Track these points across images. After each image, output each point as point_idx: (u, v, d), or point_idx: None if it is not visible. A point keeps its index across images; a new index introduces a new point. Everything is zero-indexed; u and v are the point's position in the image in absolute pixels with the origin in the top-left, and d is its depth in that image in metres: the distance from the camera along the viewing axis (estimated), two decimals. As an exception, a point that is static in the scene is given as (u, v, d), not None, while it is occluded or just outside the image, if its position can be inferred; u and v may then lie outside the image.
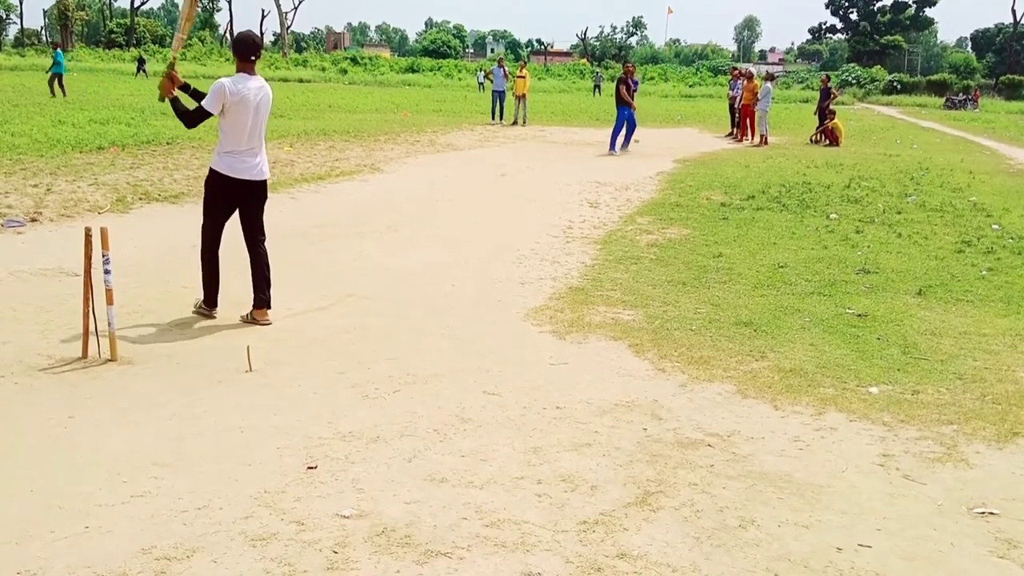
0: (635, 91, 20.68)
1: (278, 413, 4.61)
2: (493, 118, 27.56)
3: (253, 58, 6.09)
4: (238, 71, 6.04)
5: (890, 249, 9.34)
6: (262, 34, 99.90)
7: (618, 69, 48.55)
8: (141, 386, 4.95)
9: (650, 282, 7.62)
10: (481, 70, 26.57)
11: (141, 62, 54.23)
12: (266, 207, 6.47)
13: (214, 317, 6.24)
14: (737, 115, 25.25)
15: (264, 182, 6.33)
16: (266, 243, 6.45)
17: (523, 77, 27.39)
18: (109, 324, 5.33)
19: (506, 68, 28.37)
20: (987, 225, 10.93)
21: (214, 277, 6.30)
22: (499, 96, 27.90)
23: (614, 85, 20.57)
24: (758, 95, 23.61)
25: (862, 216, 11.38)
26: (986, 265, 8.59)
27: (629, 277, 7.79)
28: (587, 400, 4.92)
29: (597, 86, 57.11)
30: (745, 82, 24.58)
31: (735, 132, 25.30)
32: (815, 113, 24.55)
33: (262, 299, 6.27)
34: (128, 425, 4.41)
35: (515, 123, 26.95)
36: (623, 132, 20.07)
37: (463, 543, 3.37)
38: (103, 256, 5.32)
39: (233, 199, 6.25)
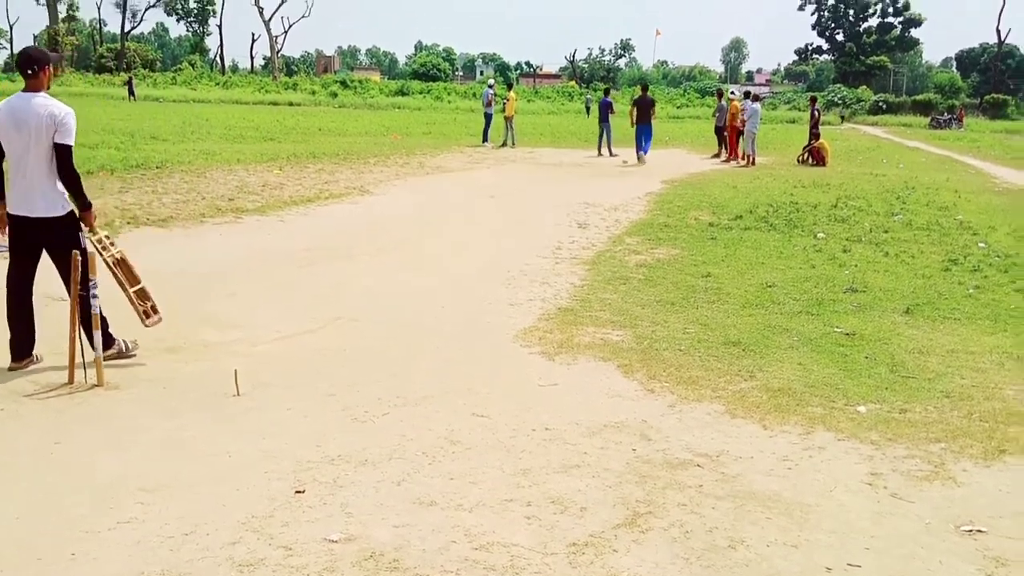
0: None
1: (266, 437, 4.59)
2: (484, 140, 27.70)
3: (29, 72, 5.40)
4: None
5: (877, 268, 9.39)
6: (252, 58, 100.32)
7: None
8: (128, 411, 4.93)
9: (639, 302, 7.63)
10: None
11: (130, 83, 54.44)
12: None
13: (22, 366, 5.54)
14: (726, 136, 25.43)
15: (43, 219, 5.43)
16: (89, 296, 5.38)
17: (509, 100, 27.65)
18: (95, 349, 5.32)
19: (495, 90, 28.62)
20: (973, 243, 11.00)
21: (16, 326, 5.57)
22: (488, 118, 28.10)
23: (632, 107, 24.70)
24: (740, 116, 24.04)
25: (849, 235, 11.44)
26: (973, 283, 8.64)
27: (618, 297, 7.80)
28: (576, 421, 4.91)
29: (587, 108, 57.64)
30: (728, 103, 24.96)
31: (721, 153, 25.44)
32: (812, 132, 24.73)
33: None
34: (115, 450, 4.38)
35: (504, 145, 27.08)
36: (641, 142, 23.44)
37: (452, 567, 3.35)
38: (90, 281, 5.31)
39: (19, 238, 5.53)
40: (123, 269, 5.75)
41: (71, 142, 5.43)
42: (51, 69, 5.61)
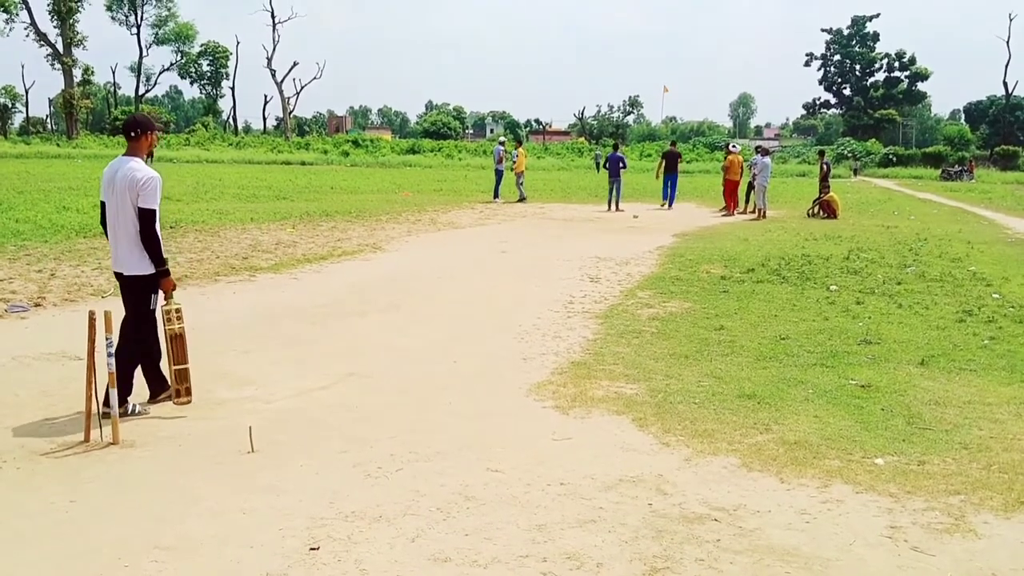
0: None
1: (280, 494, 4.58)
2: (495, 197, 27.97)
3: (131, 135, 5.80)
4: None
5: (891, 320, 9.36)
6: (264, 119, 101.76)
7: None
8: (143, 469, 4.93)
9: (652, 356, 7.62)
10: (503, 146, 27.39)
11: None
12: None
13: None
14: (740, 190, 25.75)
15: (126, 277, 5.85)
16: (131, 346, 5.90)
17: (519, 156, 28.07)
18: (111, 407, 5.33)
19: (506, 147, 29.08)
20: (987, 294, 10.96)
21: (145, 372, 6.10)
22: (499, 175, 28.43)
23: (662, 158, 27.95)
24: (743, 169, 25.00)
25: (862, 287, 11.43)
26: (988, 334, 8.60)
27: (631, 351, 7.79)
28: (591, 476, 4.89)
29: (597, 163, 58.20)
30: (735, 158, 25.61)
31: (736, 208, 25.58)
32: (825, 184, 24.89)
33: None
34: (129, 509, 4.38)
35: (519, 200, 27.35)
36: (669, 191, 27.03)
37: (467, 624, 3.32)
38: (106, 340, 5.35)
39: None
40: (177, 345, 5.93)
41: (152, 206, 5.70)
42: (153, 136, 5.94)
